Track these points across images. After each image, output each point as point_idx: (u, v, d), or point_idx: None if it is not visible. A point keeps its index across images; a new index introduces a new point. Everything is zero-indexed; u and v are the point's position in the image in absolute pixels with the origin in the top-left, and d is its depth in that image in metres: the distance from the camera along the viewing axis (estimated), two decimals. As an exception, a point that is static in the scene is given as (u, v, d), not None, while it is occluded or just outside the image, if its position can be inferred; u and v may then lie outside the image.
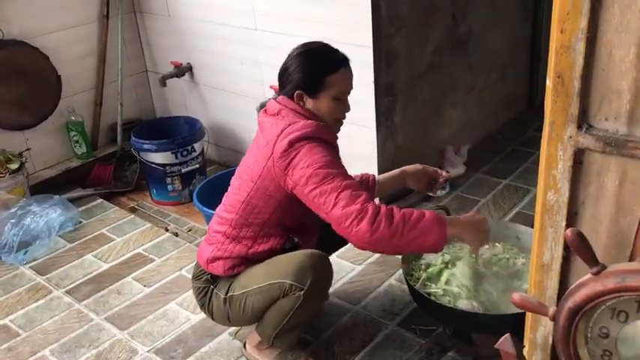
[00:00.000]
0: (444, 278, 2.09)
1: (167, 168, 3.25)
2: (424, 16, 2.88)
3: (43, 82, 3.32)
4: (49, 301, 2.59)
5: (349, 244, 1.87)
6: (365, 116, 2.79)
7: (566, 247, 1.20)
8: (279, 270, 1.92)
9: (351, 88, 1.99)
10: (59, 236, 3.02)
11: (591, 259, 1.04)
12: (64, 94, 3.43)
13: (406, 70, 2.86)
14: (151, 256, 2.85)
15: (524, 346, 1.38)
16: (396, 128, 2.92)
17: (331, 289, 2.33)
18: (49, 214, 3.00)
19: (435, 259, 2.19)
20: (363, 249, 1.79)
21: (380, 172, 2.87)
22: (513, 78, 3.80)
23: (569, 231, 1.03)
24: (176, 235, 3.04)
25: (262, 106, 2.48)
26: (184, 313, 2.46)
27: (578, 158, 1.12)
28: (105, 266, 2.80)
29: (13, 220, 2.91)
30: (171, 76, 3.52)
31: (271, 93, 2.93)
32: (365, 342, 2.24)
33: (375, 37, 2.62)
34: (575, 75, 1.05)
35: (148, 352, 2.28)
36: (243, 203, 1.98)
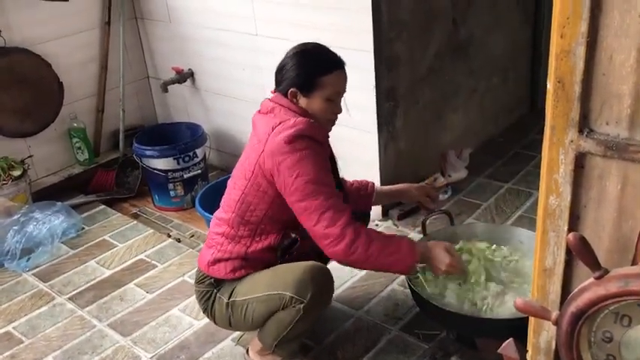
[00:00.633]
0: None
1: (169, 174, 3.26)
2: (425, 21, 2.88)
3: (45, 89, 3.33)
4: (51, 308, 2.59)
5: None
6: (366, 121, 2.79)
7: (568, 252, 1.20)
8: (280, 281, 1.92)
9: (345, 90, 2.01)
10: (62, 243, 3.02)
11: (594, 264, 1.04)
12: (66, 100, 3.44)
13: (407, 74, 2.86)
14: (153, 262, 2.86)
15: (527, 351, 1.38)
16: (398, 133, 2.92)
17: (333, 294, 2.32)
18: (51, 221, 3.01)
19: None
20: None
21: (382, 176, 2.89)
22: (514, 82, 3.80)
23: (571, 235, 1.03)
24: (178, 241, 3.04)
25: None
26: (187, 319, 2.46)
27: (580, 162, 1.12)
28: (107, 272, 2.80)
29: (15, 227, 2.92)
30: (172, 82, 3.52)
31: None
32: (368, 347, 2.24)
33: (376, 41, 2.62)
34: (576, 79, 1.05)
35: (150, 358, 2.28)
36: (238, 202, 1.99)
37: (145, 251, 2.94)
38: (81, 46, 3.49)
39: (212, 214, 2.17)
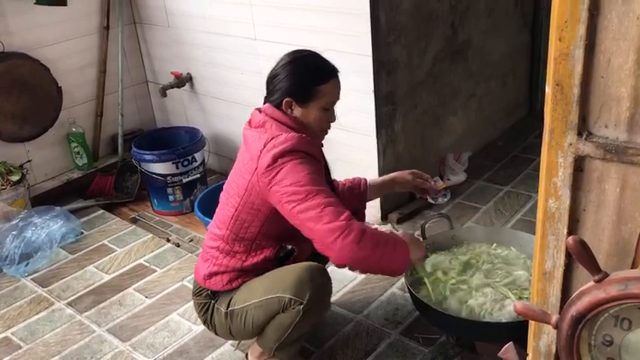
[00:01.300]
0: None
1: (168, 178, 3.25)
2: (423, 25, 2.89)
3: (44, 94, 3.33)
4: (50, 313, 2.59)
5: None
6: (365, 124, 2.79)
7: (568, 255, 1.19)
8: (278, 284, 1.91)
9: (339, 98, 1.99)
10: (60, 248, 3.02)
11: (593, 267, 1.04)
12: (64, 105, 3.44)
13: (406, 78, 2.87)
14: (152, 266, 2.85)
15: (527, 355, 1.38)
16: (397, 136, 2.92)
17: (333, 298, 2.32)
18: (50, 226, 3.00)
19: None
20: (339, 265, 1.82)
21: (381, 180, 2.88)
22: (513, 85, 3.81)
23: (570, 238, 1.03)
24: (177, 245, 3.04)
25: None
26: (186, 324, 2.45)
27: (579, 165, 1.12)
28: (106, 277, 2.80)
29: (14, 232, 2.91)
30: (171, 86, 3.53)
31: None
32: (368, 351, 2.23)
33: (375, 45, 2.63)
34: (575, 82, 1.05)
35: (149, 363, 2.28)
36: (232, 219, 1.98)
37: (144, 256, 2.94)
38: (80, 51, 3.49)
39: (211, 218, 2.16)
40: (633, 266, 1.14)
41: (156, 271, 2.82)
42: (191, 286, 2.48)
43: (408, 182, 2.28)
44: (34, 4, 3.03)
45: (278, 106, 1.94)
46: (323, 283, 1.96)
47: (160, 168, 3.23)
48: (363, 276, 2.62)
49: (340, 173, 2.35)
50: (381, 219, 3.00)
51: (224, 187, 2.09)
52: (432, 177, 2.42)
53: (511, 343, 1.34)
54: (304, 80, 1.91)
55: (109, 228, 3.20)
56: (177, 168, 3.24)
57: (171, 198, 3.31)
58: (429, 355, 2.18)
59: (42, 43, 3.31)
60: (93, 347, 2.37)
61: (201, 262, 2.08)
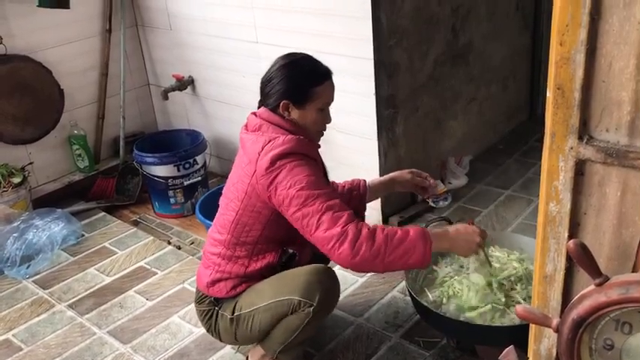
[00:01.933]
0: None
1: (169, 181, 3.26)
2: (425, 29, 2.89)
3: (46, 96, 3.34)
4: (51, 315, 2.59)
5: None
6: (366, 127, 2.80)
7: (568, 259, 1.20)
8: (286, 287, 1.91)
9: (333, 99, 2.00)
10: (62, 250, 3.02)
11: (594, 271, 1.04)
12: (66, 107, 3.44)
13: (407, 81, 2.87)
14: (153, 269, 2.85)
15: (527, 358, 1.37)
16: (398, 139, 2.92)
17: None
18: (51, 228, 3.01)
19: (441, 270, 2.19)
20: (348, 268, 1.81)
21: (382, 183, 2.88)
22: (514, 89, 3.81)
23: (571, 242, 1.03)
24: (178, 248, 3.04)
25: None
26: (187, 326, 2.45)
27: (580, 169, 1.12)
28: (107, 280, 2.80)
29: (15, 234, 2.92)
30: (173, 89, 3.53)
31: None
32: (368, 354, 2.23)
33: (376, 49, 2.63)
34: (575, 86, 1.06)
35: (150, 365, 2.27)
36: (232, 223, 1.98)
37: (145, 258, 2.94)
38: (82, 54, 3.50)
39: (212, 221, 2.16)
40: (634, 270, 1.14)
41: (157, 273, 2.82)
42: (192, 289, 2.48)
43: (408, 181, 2.28)
44: (37, 6, 3.03)
45: (274, 109, 1.94)
46: (332, 285, 1.96)
47: (161, 170, 3.24)
48: (363, 279, 2.62)
49: (341, 176, 2.35)
50: (382, 222, 3.00)
51: (223, 191, 2.08)
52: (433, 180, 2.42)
53: (512, 346, 1.34)
54: (300, 82, 1.92)
55: (110, 230, 3.20)
56: (178, 171, 3.25)
57: (172, 200, 3.32)
58: (429, 359, 2.18)
59: (44, 45, 3.32)
60: (93, 349, 2.37)
61: (203, 269, 2.08)
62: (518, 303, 1.97)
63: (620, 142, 1.07)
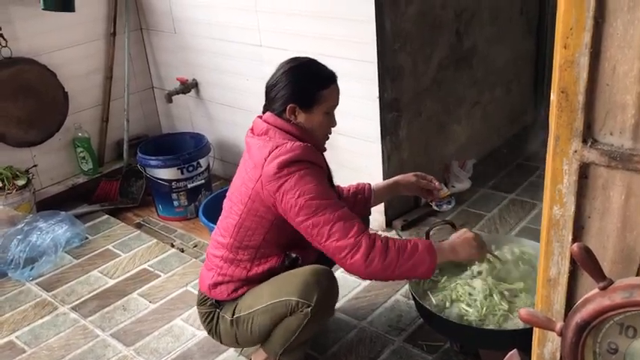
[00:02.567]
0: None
1: (173, 184, 3.26)
2: (429, 32, 2.90)
3: (50, 99, 3.35)
4: (54, 318, 2.59)
5: None
6: (370, 131, 2.80)
7: (572, 262, 1.19)
8: (284, 288, 1.91)
9: (339, 102, 2.01)
10: (65, 252, 3.03)
11: (598, 274, 1.04)
12: (70, 110, 3.45)
13: (411, 85, 2.87)
14: (156, 271, 2.85)
15: (531, 362, 1.37)
16: (401, 143, 2.92)
17: (337, 305, 2.32)
18: (55, 231, 3.01)
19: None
20: (356, 275, 1.86)
21: (385, 187, 2.88)
22: (518, 92, 3.81)
23: (575, 245, 1.03)
24: (182, 250, 3.04)
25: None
26: (190, 329, 2.45)
27: (584, 172, 1.12)
28: (111, 282, 2.80)
29: (19, 237, 2.92)
30: (177, 92, 3.54)
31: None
32: (371, 358, 2.23)
33: (380, 52, 2.64)
34: (580, 90, 1.06)
35: (153, 368, 2.27)
36: (235, 226, 1.98)
37: (149, 261, 2.94)
38: (86, 57, 3.51)
39: (215, 224, 2.16)
40: (638, 274, 1.13)
41: (160, 276, 2.82)
42: (195, 292, 2.48)
43: (412, 184, 2.28)
44: (42, 9, 3.05)
45: (280, 113, 1.94)
46: (330, 285, 1.96)
47: (165, 173, 3.24)
48: (366, 283, 2.62)
49: (344, 180, 2.35)
50: (386, 226, 3.00)
51: (227, 195, 2.09)
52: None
53: (515, 350, 1.33)
54: (307, 86, 1.93)
55: (114, 233, 3.21)
56: (182, 173, 3.25)
57: (175, 203, 3.32)
58: (432, 363, 2.18)
59: (49, 48, 3.33)
60: (97, 352, 2.37)
61: (206, 271, 2.08)
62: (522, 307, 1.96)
63: (624, 145, 1.06)
